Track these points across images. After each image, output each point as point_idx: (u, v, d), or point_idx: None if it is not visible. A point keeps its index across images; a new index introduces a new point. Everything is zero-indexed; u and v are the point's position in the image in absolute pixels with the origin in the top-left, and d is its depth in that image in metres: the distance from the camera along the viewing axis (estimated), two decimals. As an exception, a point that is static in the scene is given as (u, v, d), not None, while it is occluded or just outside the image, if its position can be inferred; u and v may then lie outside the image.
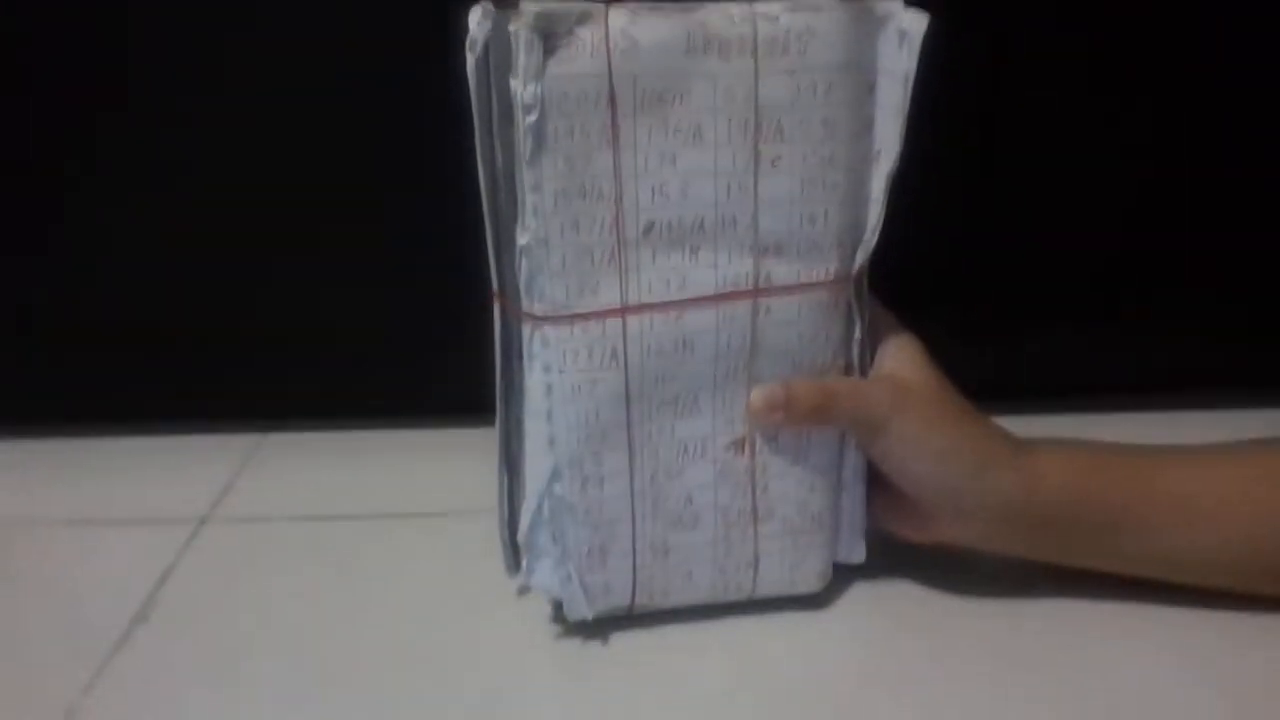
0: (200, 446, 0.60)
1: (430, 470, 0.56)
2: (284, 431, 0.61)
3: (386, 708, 0.40)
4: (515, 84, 0.35)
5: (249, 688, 0.41)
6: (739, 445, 0.42)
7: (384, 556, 0.50)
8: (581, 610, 0.43)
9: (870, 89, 0.38)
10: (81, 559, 0.50)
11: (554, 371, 0.39)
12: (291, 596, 0.47)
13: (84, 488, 0.56)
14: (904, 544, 0.45)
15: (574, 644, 0.43)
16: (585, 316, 0.39)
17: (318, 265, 0.56)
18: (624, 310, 0.39)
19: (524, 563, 0.43)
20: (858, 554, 0.45)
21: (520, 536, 0.42)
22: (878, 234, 0.40)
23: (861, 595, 0.46)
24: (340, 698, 0.41)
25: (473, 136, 0.37)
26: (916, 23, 0.37)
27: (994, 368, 0.48)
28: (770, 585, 0.44)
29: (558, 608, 0.44)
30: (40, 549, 0.51)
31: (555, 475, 0.41)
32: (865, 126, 0.39)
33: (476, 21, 0.36)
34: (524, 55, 0.35)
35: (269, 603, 0.46)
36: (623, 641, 0.44)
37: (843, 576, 0.46)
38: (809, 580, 0.45)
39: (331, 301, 0.57)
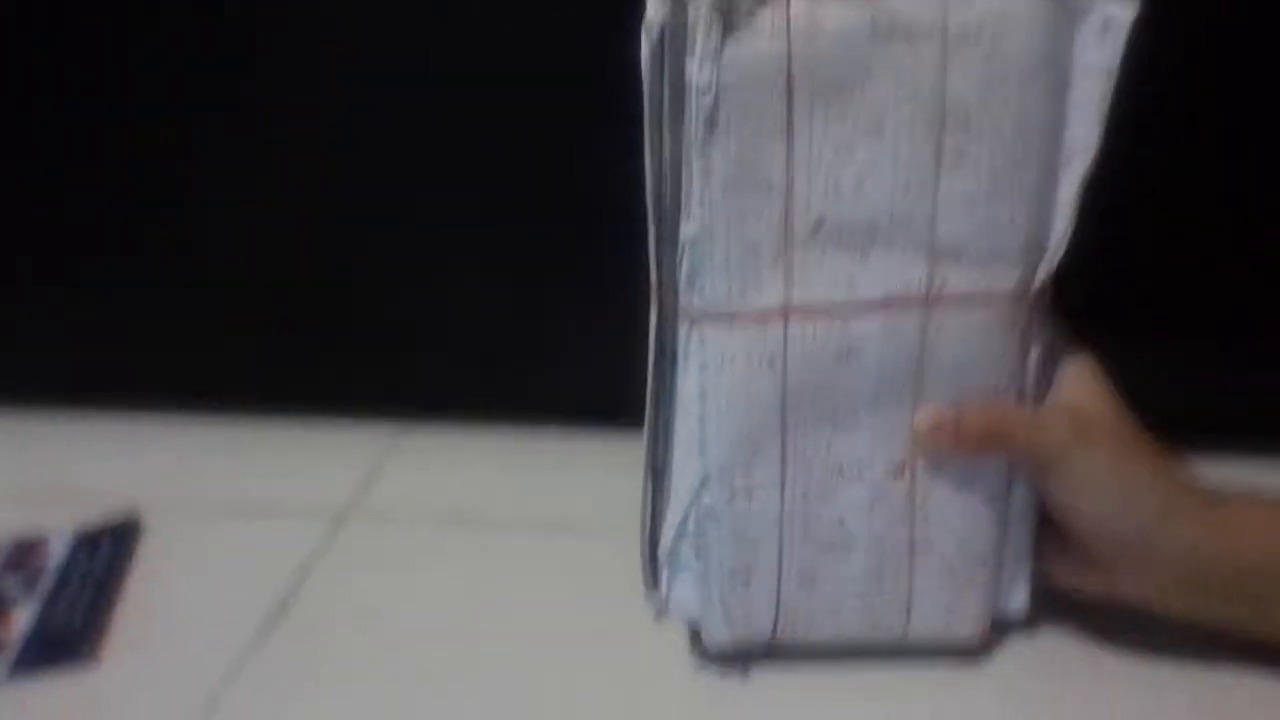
0: (346, 437, 0.59)
1: (575, 479, 0.54)
2: (426, 425, 0.60)
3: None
4: (691, 65, 0.34)
5: (380, 688, 0.41)
6: (899, 469, 0.39)
7: (521, 567, 0.48)
8: (720, 635, 0.40)
9: (1067, 84, 0.35)
10: (227, 547, 0.51)
11: (710, 371, 0.37)
12: (425, 600, 0.46)
13: (234, 474, 0.57)
14: (1071, 595, 0.41)
15: (709, 677, 0.41)
16: (746, 316, 0.37)
17: (469, 259, 0.55)
18: (786, 312, 0.37)
19: (663, 577, 0.40)
20: (1019, 601, 0.42)
21: (662, 549, 0.40)
22: (1065, 243, 0.37)
23: (1020, 651, 0.42)
24: (465, 709, 0.40)
25: (630, 129, 0.36)
26: (1123, 12, 0.34)
27: (1185, 401, 0.43)
28: (923, 628, 0.41)
29: (695, 637, 0.41)
30: (190, 534, 0.52)
31: (704, 484, 0.38)
32: (1059, 125, 0.36)
33: (655, 4, 0.34)
34: (702, 36, 0.34)
35: (403, 605, 0.46)
36: (761, 678, 0.41)
37: (1002, 629, 0.42)
38: (966, 625, 0.41)
39: (482, 295, 0.56)
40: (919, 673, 0.41)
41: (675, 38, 0.35)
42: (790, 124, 0.35)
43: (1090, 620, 0.42)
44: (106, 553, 0.49)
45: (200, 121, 0.54)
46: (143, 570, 0.49)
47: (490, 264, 0.55)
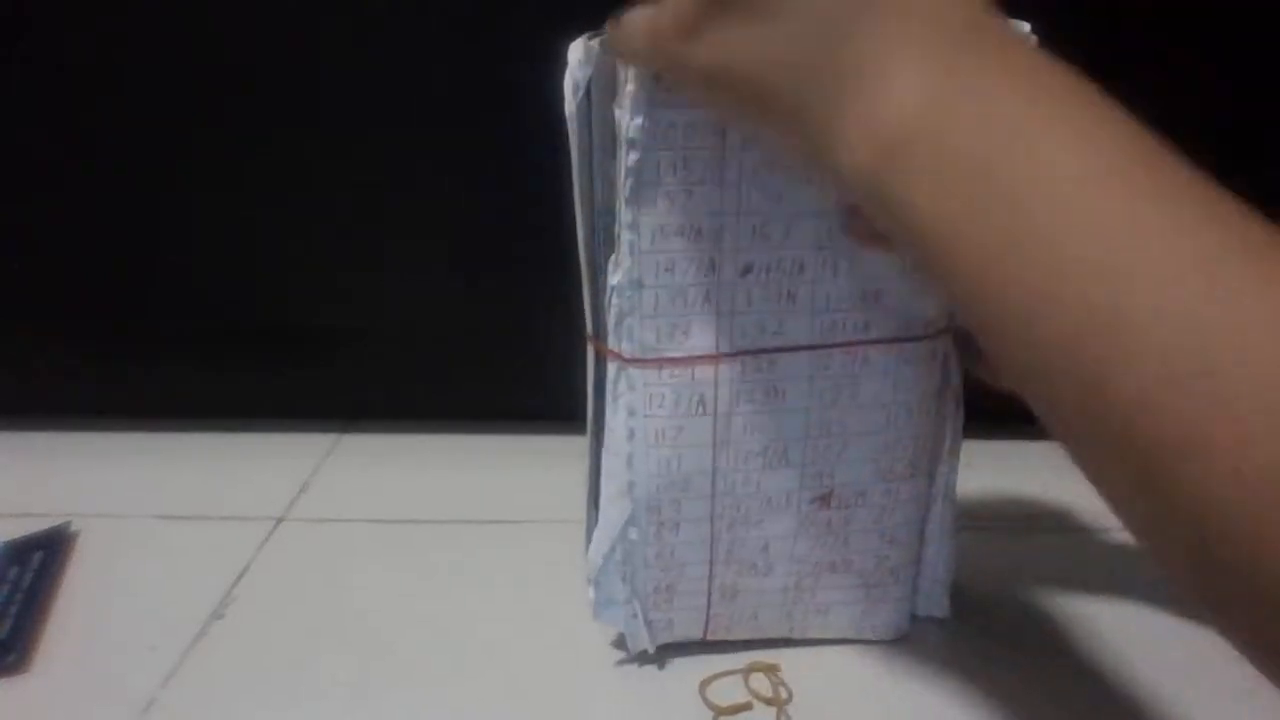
0: (281, 444, 0.60)
1: (507, 476, 0.55)
2: (361, 432, 0.61)
3: (450, 711, 0.40)
4: (620, 115, 0.33)
5: (320, 686, 0.41)
6: (825, 499, 0.40)
7: (456, 562, 0.49)
8: (643, 644, 0.41)
9: None
10: (163, 553, 0.50)
11: (638, 415, 0.37)
12: (364, 598, 0.46)
13: (168, 483, 0.56)
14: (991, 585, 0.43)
15: (632, 665, 0.42)
16: (675, 361, 0.36)
17: (404, 265, 0.55)
18: (716, 356, 0.36)
19: (592, 599, 0.41)
20: (940, 608, 0.44)
21: (590, 575, 0.40)
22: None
23: (943, 643, 0.44)
24: (407, 699, 0.40)
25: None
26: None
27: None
28: (840, 630, 0.43)
29: (621, 637, 0.42)
30: (124, 543, 0.51)
31: (631, 520, 0.39)
32: None
33: (579, 60, 0.33)
34: (632, 85, 0.32)
35: (342, 603, 0.46)
36: (684, 663, 0.42)
37: (926, 626, 0.44)
38: (880, 630, 0.43)
39: (415, 302, 0.56)
40: (839, 654, 0.43)
41: (601, 83, 0.33)
42: (721, 171, 0.34)
43: (1009, 620, 0.44)
44: (37, 563, 0.48)
45: (134, 133, 0.52)
46: (77, 580, 0.48)
47: (426, 269, 0.55)
